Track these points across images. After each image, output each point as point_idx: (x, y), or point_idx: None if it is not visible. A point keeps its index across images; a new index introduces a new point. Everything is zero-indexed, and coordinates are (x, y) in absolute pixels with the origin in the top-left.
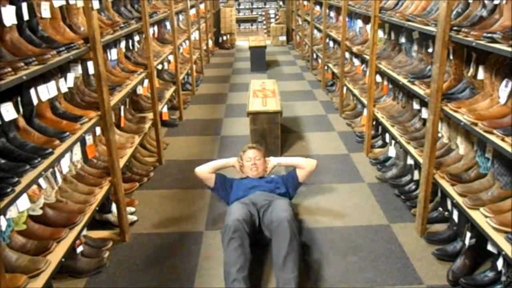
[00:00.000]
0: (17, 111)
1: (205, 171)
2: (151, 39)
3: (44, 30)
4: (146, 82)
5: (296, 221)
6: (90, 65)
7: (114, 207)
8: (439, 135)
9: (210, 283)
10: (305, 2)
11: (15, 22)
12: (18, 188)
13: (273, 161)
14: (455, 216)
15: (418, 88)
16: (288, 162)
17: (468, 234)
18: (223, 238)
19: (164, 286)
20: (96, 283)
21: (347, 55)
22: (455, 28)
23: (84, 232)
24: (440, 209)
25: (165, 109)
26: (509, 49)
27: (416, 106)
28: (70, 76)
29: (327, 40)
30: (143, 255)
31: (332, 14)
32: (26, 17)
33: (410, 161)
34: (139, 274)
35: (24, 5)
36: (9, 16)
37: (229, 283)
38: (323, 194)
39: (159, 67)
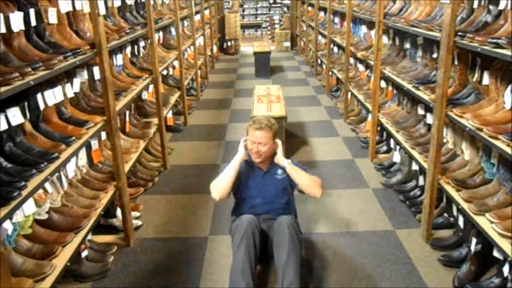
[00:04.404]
0: (24, 116)
1: (227, 191)
2: (156, 44)
3: (51, 35)
4: (151, 87)
5: (299, 227)
6: (96, 70)
7: (119, 211)
8: (444, 140)
9: None
10: (310, 8)
11: (23, 28)
12: (24, 192)
13: (280, 160)
14: (461, 222)
15: (423, 94)
16: (294, 176)
17: (474, 240)
18: (235, 234)
19: None
20: (101, 287)
21: (351, 60)
22: (459, 33)
23: (89, 236)
24: (446, 215)
25: (170, 114)
26: None
27: (421, 111)
28: (76, 81)
29: (332, 46)
30: (147, 260)
31: (337, 19)
32: (33, 23)
33: (415, 167)
34: (144, 279)
35: (32, 11)
36: (17, 22)
37: (238, 281)
38: (328, 199)
39: (164, 72)
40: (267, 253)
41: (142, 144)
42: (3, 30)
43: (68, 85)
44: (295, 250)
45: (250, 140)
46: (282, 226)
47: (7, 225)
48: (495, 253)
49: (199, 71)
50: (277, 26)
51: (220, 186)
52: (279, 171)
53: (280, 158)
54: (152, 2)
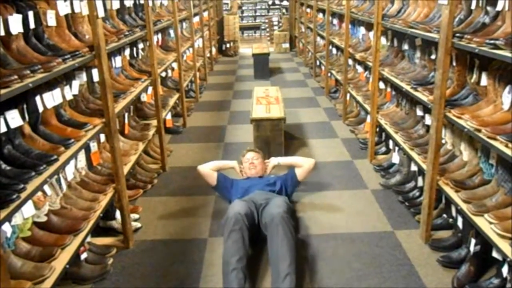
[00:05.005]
0: (23, 118)
1: (206, 168)
2: (155, 46)
3: (49, 38)
4: (150, 89)
5: (292, 218)
6: (95, 72)
7: (118, 214)
8: (443, 141)
9: None
10: (308, 10)
11: (22, 30)
12: (23, 195)
13: (273, 161)
14: (460, 222)
15: (421, 95)
16: (287, 161)
17: (473, 241)
18: (224, 230)
19: None
20: None
21: (350, 62)
22: (457, 34)
23: (88, 239)
24: (445, 215)
25: (169, 116)
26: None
27: (419, 112)
28: (75, 84)
29: (330, 47)
30: (147, 262)
31: (335, 21)
32: (32, 25)
33: (413, 168)
34: (143, 281)
35: (31, 14)
36: (16, 24)
37: (228, 273)
38: (327, 200)
39: (163, 74)
40: (259, 240)
41: (141, 146)
42: (2, 33)
43: (67, 88)
44: (289, 243)
45: (245, 161)
46: (275, 221)
47: (6, 228)
48: (494, 254)
49: (198, 73)
50: (276, 27)
51: (207, 166)
52: (272, 176)
53: (271, 160)
54: (150, 4)
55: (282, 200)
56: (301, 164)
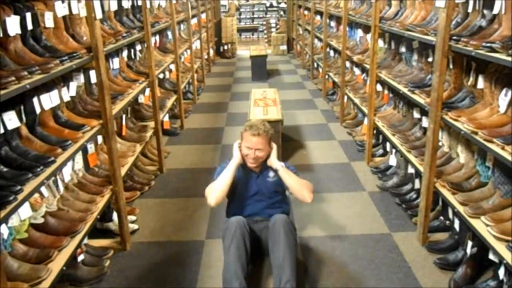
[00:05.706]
0: (20, 119)
1: (223, 196)
2: (152, 48)
3: (47, 39)
4: (147, 91)
5: (293, 225)
6: (93, 74)
7: (115, 215)
8: (440, 144)
9: None
10: (306, 12)
11: (19, 31)
12: (20, 196)
13: (274, 162)
14: (456, 225)
15: (419, 97)
16: (285, 179)
17: (470, 243)
18: (225, 237)
19: None
20: None
21: (347, 64)
22: (454, 37)
23: (85, 240)
24: (441, 218)
25: (166, 118)
26: (508, 58)
27: (416, 115)
28: (73, 85)
29: (328, 50)
30: (144, 264)
31: (333, 23)
32: (30, 26)
33: (411, 170)
34: (140, 283)
35: (28, 15)
36: (13, 25)
37: (230, 281)
38: (324, 203)
39: (161, 76)
40: (259, 253)
41: (138, 148)
42: (0, 34)
43: (64, 89)
44: (291, 249)
45: (246, 146)
46: (277, 226)
47: (3, 230)
48: (491, 256)
49: (195, 75)
50: (273, 29)
51: (217, 191)
52: (271, 174)
53: (273, 161)
54: (148, 6)
55: (282, 214)
56: (296, 194)
